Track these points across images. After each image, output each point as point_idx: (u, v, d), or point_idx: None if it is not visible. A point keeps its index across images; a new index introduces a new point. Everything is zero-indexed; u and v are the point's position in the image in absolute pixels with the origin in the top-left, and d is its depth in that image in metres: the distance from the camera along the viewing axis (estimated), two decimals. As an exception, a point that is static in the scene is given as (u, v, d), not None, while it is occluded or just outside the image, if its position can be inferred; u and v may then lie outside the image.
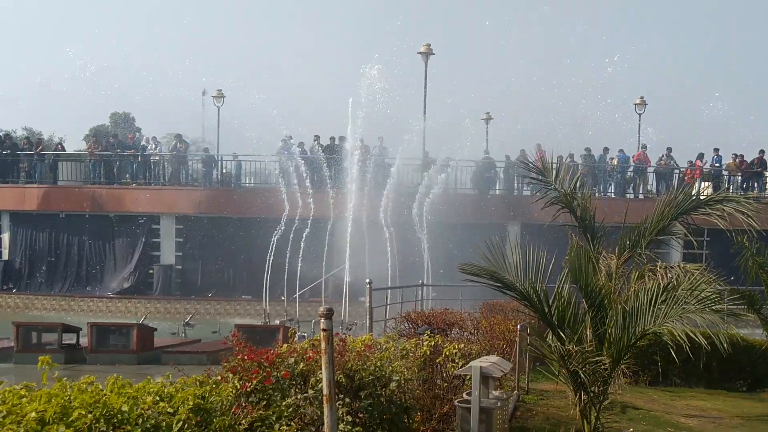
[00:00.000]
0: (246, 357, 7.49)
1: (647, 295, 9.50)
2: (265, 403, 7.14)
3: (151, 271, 32.70)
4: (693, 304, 9.14)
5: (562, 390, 11.67)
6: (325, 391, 6.10)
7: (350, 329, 9.61)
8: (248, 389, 7.19)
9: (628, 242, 12.43)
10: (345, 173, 30.16)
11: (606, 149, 33.27)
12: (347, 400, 7.41)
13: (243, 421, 6.76)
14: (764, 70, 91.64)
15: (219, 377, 7.33)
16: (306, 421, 7.22)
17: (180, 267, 32.73)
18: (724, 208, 12.17)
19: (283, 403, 7.11)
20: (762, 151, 34.06)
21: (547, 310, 9.84)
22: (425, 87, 34.11)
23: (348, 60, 29.62)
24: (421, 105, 34.06)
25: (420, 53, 34.35)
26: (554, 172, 13.27)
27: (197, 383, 7.15)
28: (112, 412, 5.79)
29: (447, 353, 9.69)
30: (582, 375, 9.43)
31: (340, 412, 7.12)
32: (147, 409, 6.02)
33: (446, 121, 31.95)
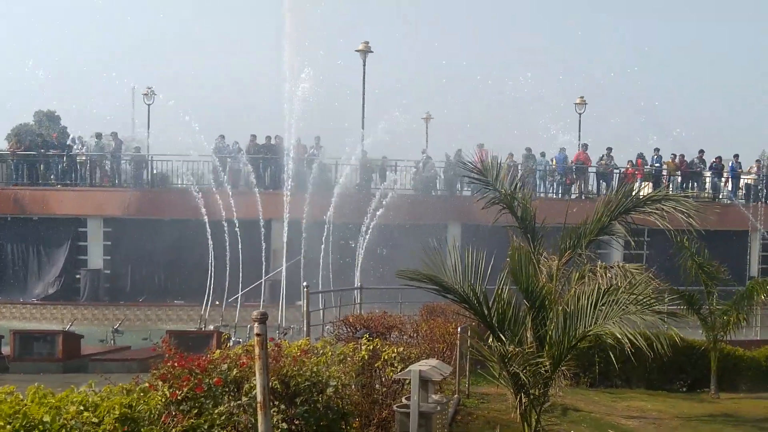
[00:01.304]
0: (176, 364, 7.22)
1: (588, 296, 9.35)
2: (196, 411, 6.90)
3: (78, 276, 31.69)
4: (633, 305, 9.01)
5: (502, 393, 11.50)
6: (259, 398, 5.91)
7: (286, 334, 9.26)
8: (178, 397, 6.94)
9: (568, 243, 12.34)
10: (282, 173, 29.71)
11: (542, 154, 33.43)
12: (282, 406, 7.19)
13: (173, 431, 6.56)
14: (705, 71, 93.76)
15: (147, 385, 7.08)
16: (239, 429, 7.02)
17: (108, 271, 31.79)
18: (664, 207, 12.14)
19: (216, 411, 6.88)
20: (701, 151, 34.63)
21: (486, 312, 9.64)
22: (363, 85, 33.87)
23: (285, 57, 29.44)
24: (359, 104, 33.78)
25: (358, 51, 34.07)
26: (494, 172, 13.13)
27: (124, 392, 6.98)
28: (32, 423, 5.63)
29: (386, 357, 9.42)
30: (522, 377, 9.25)
31: (275, 420, 6.92)
32: (70, 420, 5.86)
33: (386, 120, 31.71)
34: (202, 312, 26.22)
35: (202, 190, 29.76)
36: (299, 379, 7.39)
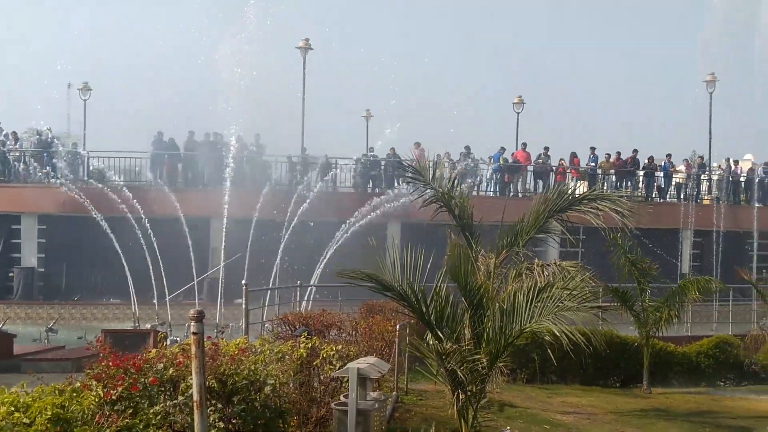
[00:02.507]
0: (111, 363, 7.14)
1: (524, 293, 9.49)
2: (131, 411, 6.83)
3: (10, 274, 30.93)
4: (569, 302, 9.17)
5: (440, 390, 11.59)
6: (195, 397, 5.89)
7: (223, 332, 9.20)
8: (113, 397, 6.86)
9: (506, 240, 12.47)
10: (221, 170, 29.42)
11: (475, 158, 33.61)
12: (219, 405, 7.16)
13: (107, 431, 6.44)
14: (639, 72, 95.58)
15: (80, 385, 6.97)
16: (176, 428, 7.00)
17: (42, 269, 31.11)
18: (599, 206, 12.34)
19: (151, 411, 6.82)
20: (635, 151, 35.33)
21: (425, 310, 9.72)
22: (304, 83, 33.74)
23: (224, 53, 29.20)
24: (300, 101, 33.66)
25: (298, 48, 33.91)
26: (432, 170, 13.20)
27: (56, 392, 6.82)
28: (-39, 425, 5.41)
29: (324, 355, 9.42)
30: (460, 374, 9.35)
31: (212, 419, 6.89)
32: (0, 420, 5.77)
33: (326, 118, 31.69)
34: (139, 311, 25.83)
35: (139, 187, 29.32)
36: (236, 378, 7.36)
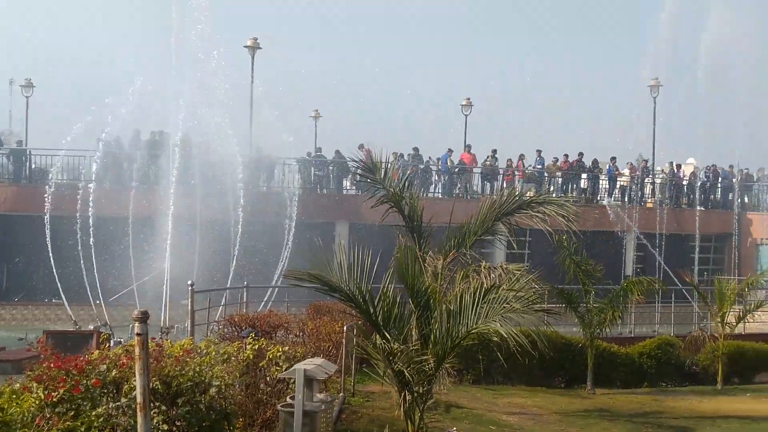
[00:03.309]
0: (53, 365, 7.03)
1: (471, 295, 9.52)
2: (73, 413, 6.74)
3: (-51, 275, 30.19)
4: (515, 304, 9.23)
5: (387, 391, 11.59)
6: (139, 399, 5.80)
7: (167, 333, 9.08)
8: (54, 399, 6.77)
9: (453, 242, 12.55)
10: (166, 169, 29.00)
11: (423, 159, 33.73)
12: (163, 407, 7.10)
13: None
14: (586, 76, 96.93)
15: (20, 387, 6.90)
16: (119, 431, 6.88)
17: (-18, 269, 30.40)
18: (545, 210, 12.48)
19: (93, 413, 6.74)
20: (581, 154, 35.72)
21: (372, 311, 9.70)
22: (252, 82, 33.46)
23: (173, 51, 28.84)
24: (248, 100, 33.35)
25: (246, 47, 33.61)
26: (383, 171, 13.22)
27: None
28: None
29: (271, 356, 9.37)
30: (407, 374, 9.34)
31: (156, 421, 6.85)
32: None
33: (274, 118, 31.45)
34: (82, 312, 25.39)
35: (83, 185, 28.77)
36: (181, 380, 7.28)
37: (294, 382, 8.43)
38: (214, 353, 8.63)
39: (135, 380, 5.92)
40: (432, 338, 9.68)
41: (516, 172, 34.24)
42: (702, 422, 14.11)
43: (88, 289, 26.12)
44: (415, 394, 9.49)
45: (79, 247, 26.83)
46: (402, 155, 32.07)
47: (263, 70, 34.83)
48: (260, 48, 33.71)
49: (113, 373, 7.11)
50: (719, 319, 18.65)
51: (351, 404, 12.50)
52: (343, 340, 12.57)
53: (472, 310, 9.36)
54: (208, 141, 31.07)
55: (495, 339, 9.24)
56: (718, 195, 38.65)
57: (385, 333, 9.66)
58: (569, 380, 17.63)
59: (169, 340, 9.09)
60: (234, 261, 27.16)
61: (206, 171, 29.71)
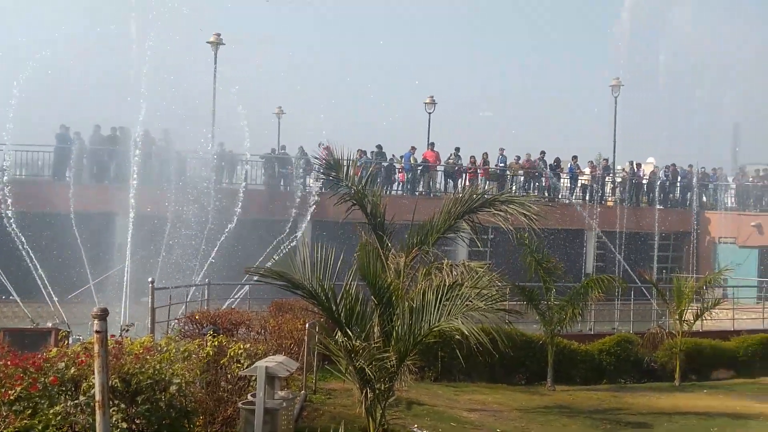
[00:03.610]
0: (9, 362, 6.99)
1: (433, 292, 9.55)
2: (30, 411, 6.68)
3: None
4: (477, 302, 9.28)
5: (349, 388, 11.60)
6: (97, 397, 5.76)
7: (127, 330, 8.99)
8: (11, 397, 6.69)
9: (416, 239, 12.59)
10: (127, 166, 28.68)
11: (386, 157, 33.72)
12: (123, 405, 7.05)
13: None
14: (546, 76, 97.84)
15: None
16: (77, 429, 6.89)
17: (-63, 267, 29.78)
18: (507, 208, 12.56)
19: (51, 411, 6.69)
20: (543, 152, 36.00)
21: (334, 308, 9.71)
22: (214, 78, 33.19)
23: (133, 47, 28.51)
24: (210, 97, 33.09)
25: (209, 42, 33.35)
26: (345, 169, 13.23)
27: None
28: None
29: (232, 354, 9.32)
30: (368, 372, 9.36)
31: (115, 419, 6.78)
32: None
33: (237, 114, 31.21)
34: (40, 309, 25.00)
35: (41, 182, 28.38)
36: (141, 377, 7.23)
37: (255, 380, 8.40)
38: (174, 351, 8.58)
39: (94, 378, 5.88)
40: (394, 335, 9.70)
41: (479, 171, 34.39)
42: (660, 418, 14.31)
43: (45, 287, 25.75)
44: (377, 392, 9.52)
45: (37, 244, 26.45)
46: (365, 153, 32.07)
47: (226, 66, 34.54)
48: (223, 44, 33.48)
49: (72, 371, 7.06)
50: (677, 317, 18.89)
51: (313, 401, 12.49)
52: (306, 338, 12.55)
53: (434, 307, 9.40)
54: (170, 137, 30.85)
55: (457, 337, 9.29)
56: (678, 194, 39.18)
57: (348, 330, 9.67)
58: (530, 377, 17.75)
59: (129, 338, 9.00)
60: (197, 258, 26.97)
61: (167, 167, 29.47)
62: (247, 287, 19.39)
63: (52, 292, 25.61)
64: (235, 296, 20.22)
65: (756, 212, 37.13)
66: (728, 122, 45.19)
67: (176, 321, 15.13)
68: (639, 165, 38.88)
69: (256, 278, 9.88)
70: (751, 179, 39.64)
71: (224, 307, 16.74)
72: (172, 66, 29.09)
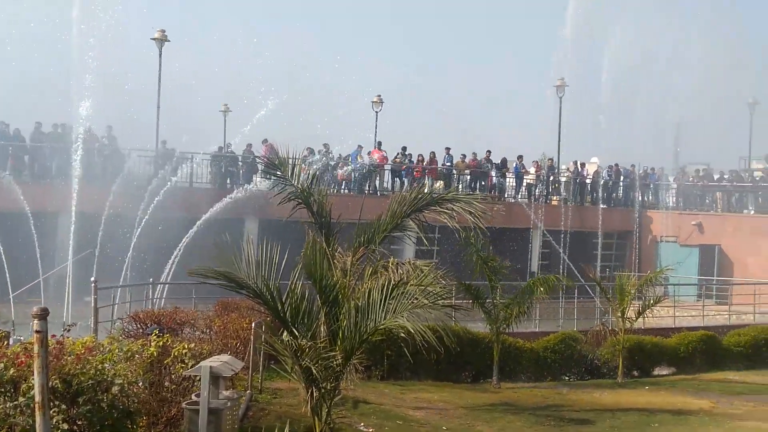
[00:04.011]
0: None
1: (379, 290, 9.57)
2: (-33, 413, 6.57)
3: None
4: (422, 299, 9.33)
5: (296, 388, 11.55)
6: (37, 398, 5.71)
7: (69, 330, 8.85)
8: (-53, 399, 6.52)
9: (363, 238, 12.62)
10: (70, 163, 28.19)
11: (333, 155, 33.68)
12: (63, 406, 6.96)
13: None
14: (493, 75, 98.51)
15: None
16: (17, 431, 6.67)
17: None
18: (454, 207, 12.65)
19: (-11, 413, 6.56)
20: (489, 152, 36.32)
21: (280, 307, 9.67)
22: (159, 75, 32.77)
23: (74, 42, 28.05)
24: (155, 94, 32.66)
25: (153, 39, 32.93)
26: (291, 167, 13.19)
27: None
28: None
29: (176, 353, 9.24)
30: (314, 371, 9.34)
31: (55, 420, 6.75)
32: None
33: (183, 112, 30.93)
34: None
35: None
36: (82, 378, 7.14)
37: (199, 380, 8.34)
38: (117, 351, 8.48)
39: (33, 379, 5.81)
40: (340, 334, 9.70)
41: (426, 170, 34.55)
42: (602, 415, 14.53)
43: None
44: (323, 390, 9.50)
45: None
46: (312, 151, 32.02)
47: (171, 62, 34.16)
48: (168, 41, 33.08)
49: (11, 372, 6.97)
50: (620, 315, 19.17)
51: (258, 401, 12.43)
52: (252, 337, 12.49)
53: (380, 305, 9.42)
54: (113, 134, 30.42)
55: (402, 334, 9.33)
56: (620, 193, 39.86)
57: (293, 329, 9.64)
58: (476, 375, 17.90)
59: (71, 338, 8.85)
60: (141, 257, 26.63)
61: (111, 165, 29.06)
62: (192, 286, 19.18)
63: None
64: (180, 295, 19.99)
65: (696, 211, 37.93)
66: (670, 122, 46.13)
67: (120, 321, 14.94)
68: (583, 165, 39.42)
69: (201, 278, 9.78)
70: (691, 179, 40.48)
71: (168, 306, 16.54)
72: (116, 62, 28.68)
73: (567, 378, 19.09)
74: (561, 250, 35.27)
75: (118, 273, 25.25)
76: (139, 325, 13.61)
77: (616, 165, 39.77)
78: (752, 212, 37.43)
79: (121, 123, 29.84)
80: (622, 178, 39.60)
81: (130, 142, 30.17)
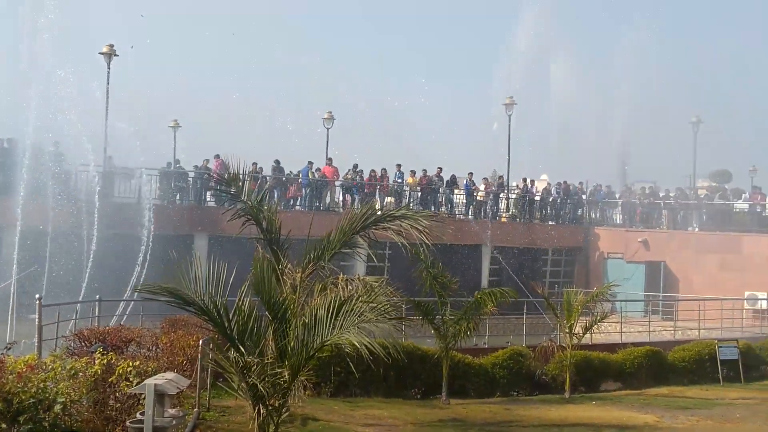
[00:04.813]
0: None
1: (327, 307, 9.58)
2: None
3: None
4: (371, 315, 9.35)
5: (243, 405, 11.45)
6: (-26, 419, 5.48)
7: (9, 348, 8.70)
8: None
9: (312, 255, 12.60)
10: (14, 179, 27.69)
11: (284, 171, 33.59)
12: (4, 425, 6.79)
13: None
14: (443, 92, 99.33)
15: None
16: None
17: None
18: (402, 224, 12.71)
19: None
20: (440, 168, 36.50)
21: (227, 324, 9.59)
22: (107, 90, 32.34)
23: (23, 56, 27.73)
24: (103, 109, 32.22)
25: (102, 53, 32.55)
26: (241, 183, 13.15)
27: None
28: None
29: (120, 371, 9.13)
30: (261, 388, 9.30)
31: None
32: None
33: (131, 127, 30.61)
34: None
35: None
36: (23, 397, 7.03)
37: (144, 398, 8.24)
38: (60, 369, 8.36)
39: (-29, 398, 5.68)
40: (288, 351, 9.67)
41: (377, 186, 34.64)
42: (550, 430, 14.66)
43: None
44: (270, 408, 9.46)
45: None
46: (262, 168, 31.95)
47: (120, 78, 33.79)
48: (117, 55, 32.74)
49: (-52, 392, 6.79)
50: (567, 330, 19.37)
51: (206, 419, 12.31)
52: (199, 354, 12.37)
53: (327, 321, 9.42)
54: (61, 149, 29.98)
55: (348, 350, 9.32)
56: (569, 210, 40.33)
57: (240, 346, 9.58)
58: (425, 391, 17.90)
59: (12, 356, 8.69)
60: (87, 274, 26.22)
61: (58, 180, 28.62)
62: (139, 304, 18.94)
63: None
64: (126, 312, 19.74)
65: (642, 229, 38.54)
66: (617, 141, 46.94)
67: (64, 339, 14.69)
68: (533, 182, 39.85)
69: (148, 295, 9.67)
70: (637, 197, 41.16)
71: (113, 323, 16.33)
72: (64, 76, 28.33)
73: (516, 394, 19.19)
74: (510, 267, 35.54)
75: (64, 290, 24.84)
76: (83, 343, 13.40)
77: (565, 182, 40.28)
78: (697, 229, 38.11)
79: (69, 138, 29.39)
80: (570, 195, 40.08)
81: (77, 157, 29.72)
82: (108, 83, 32.44)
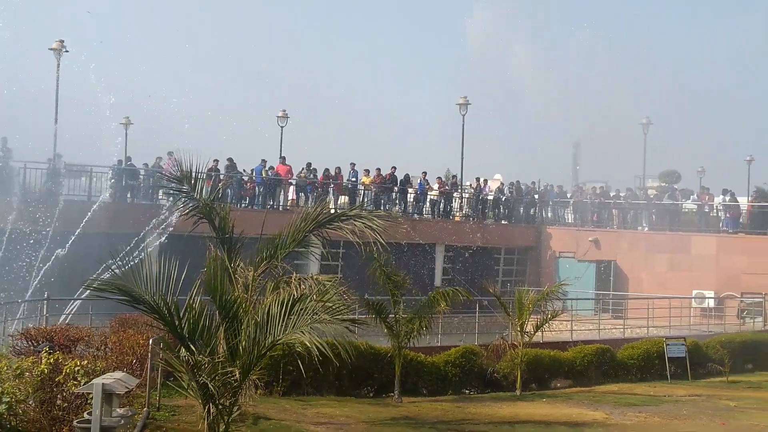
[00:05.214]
0: None
1: (279, 306, 9.56)
2: None
3: None
4: (322, 314, 9.35)
5: (194, 404, 11.40)
6: None
7: (-46, 348, 8.55)
8: None
9: (265, 254, 12.57)
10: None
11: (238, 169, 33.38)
12: (-55, 428, 6.60)
13: None
14: (403, 93, 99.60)
15: None
16: None
17: None
18: (356, 223, 12.74)
19: None
20: (394, 168, 36.51)
21: (177, 323, 9.52)
22: (57, 86, 31.88)
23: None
24: (52, 105, 31.75)
25: (52, 49, 32.04)
26: (193, 181, 13.05)
27: None
28: None
29: (68, 371, 9.00)
30: (211, 387, 9.25)
31: None
32: None
33: (81, 123, 30.19)
34: None
35: None
36: (-34, 397, 6.88)
37: (92, 397, 8.15)
38: (5, 368, 8.23)
39: None
40: (239, 350, 9.64)
41: (331, 185, 34.59)
42: (501, 427, 14.77)
43: None
44: (220, 407, 9.41)
45: None
46: (217, 165, 31.69)
47: (70, 74, 33.28)
48: (67, 51, 32.25)
49: None
50: (519, 329, 19.53)
51: (156, 418, 12.19)
52: (149, 354, 12.25)
53: (279, 320, 9.41)
54: (8, 146, 29.44)
55: (299, 349, 9.32)
56: (522, 210, 40.67)
57: (190, 345, 9.51)
58: (378, 389, 17.94)
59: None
60: (35, 273, 25.78)
61: (5, 177, 28.11)
62: (88, 303, 18.67)
63: None
64: (74, 311, 19.45)
65: (593, 228, 39.04)
66: (569, 142, 47.53)
67: (10, 338, 14.45)
68: (486, 181, 40.09)
69: (97, 293, 9.55)
70: (588, 196, 41.69)
71: (60, 322, 16.09)
72: (12, 73, 27.85)
73: (468, 392, 19.33)
74: (463, 266, 35.74)
75: (10, 288, 24.40)
76: (30, 343, 13.18)
77: (517, 182, 40.66)
78: (646, 229, 38.70)
79: (17, 134, 28.90)
80: (522, 195, 40.41)
81: (25, 155, 29.21)
82: (57, 79, 31.96)
